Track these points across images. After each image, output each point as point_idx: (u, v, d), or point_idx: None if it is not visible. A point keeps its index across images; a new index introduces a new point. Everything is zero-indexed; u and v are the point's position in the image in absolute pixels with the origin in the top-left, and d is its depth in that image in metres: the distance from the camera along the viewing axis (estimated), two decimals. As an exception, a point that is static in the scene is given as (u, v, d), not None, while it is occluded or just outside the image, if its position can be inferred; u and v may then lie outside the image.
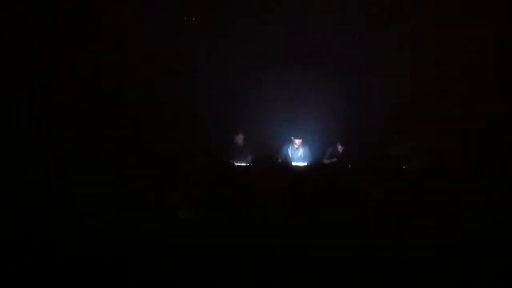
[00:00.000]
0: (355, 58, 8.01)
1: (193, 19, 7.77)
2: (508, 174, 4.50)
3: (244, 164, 7.07)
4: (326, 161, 7.43)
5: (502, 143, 5.84)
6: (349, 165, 6.53)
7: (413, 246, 3.25)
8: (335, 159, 7.43)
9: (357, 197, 3.82)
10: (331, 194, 3.75)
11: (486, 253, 3.22)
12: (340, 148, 7.51)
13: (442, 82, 7.26)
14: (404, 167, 6.36)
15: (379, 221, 3.49)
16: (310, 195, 3.70)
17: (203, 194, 3.82)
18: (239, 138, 7.85)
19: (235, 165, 7.03)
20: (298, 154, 7.71)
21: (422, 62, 7.51)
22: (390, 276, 3.04)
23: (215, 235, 3.32)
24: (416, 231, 3.40)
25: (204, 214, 3.68)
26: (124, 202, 3.63)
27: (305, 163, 7.27)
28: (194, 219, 3.64)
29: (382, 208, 3.66)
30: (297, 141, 7.69)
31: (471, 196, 3.89)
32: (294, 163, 7.29)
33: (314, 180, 4.10)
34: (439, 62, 7.30)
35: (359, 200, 3.78)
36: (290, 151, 7.75)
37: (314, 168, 6.75)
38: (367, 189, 3.94)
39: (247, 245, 3.21)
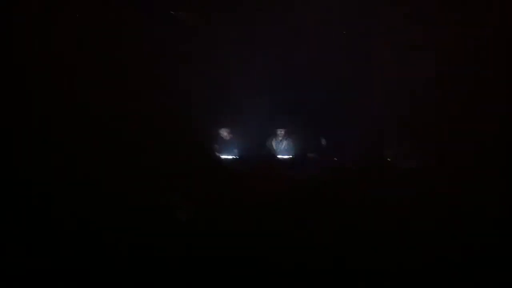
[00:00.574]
0: (346, 50, 7.91)
1: (180, 13, 7.74)
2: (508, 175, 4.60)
3: (229, 157, 7.14)
4: (309, 155, 7.54)
5: (502, 143, 5.92)
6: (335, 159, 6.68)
7: (413, 246, 3.36)
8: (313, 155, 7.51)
9: (355, 197, 3.93)
10: (327, 193, 3.86)
11: (486, 253, 3.33)
12: (323, 142, 7.62)
13: (442, 82, 7.25)
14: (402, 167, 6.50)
15: (378, 222, 3.59)
16: (305, 194, 3.81)
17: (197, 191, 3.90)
18: (224, 131, 7.90)
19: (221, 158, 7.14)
20: (282, 147, 7.78)
21: (420, 60, 7.54)
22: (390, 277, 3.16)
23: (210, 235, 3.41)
24: (416, 231, 3.51)
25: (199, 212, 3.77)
26: (121, 202, 3.69)
27: (289, 156, 7.38)
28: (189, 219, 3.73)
29: (381, 208, 3.76)
30: (280, 131, 7.76)
31: (472, 196, 3.99)
32: (278, 156, 7.39)
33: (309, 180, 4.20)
34: (437, 61, 7.28)
35: (357, 201, 3.88)
36: (274, 144, 7.81)
37: (298, 161, 6.93)
38: (365, 190, 4.04)
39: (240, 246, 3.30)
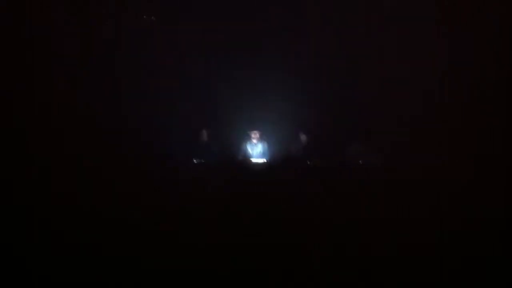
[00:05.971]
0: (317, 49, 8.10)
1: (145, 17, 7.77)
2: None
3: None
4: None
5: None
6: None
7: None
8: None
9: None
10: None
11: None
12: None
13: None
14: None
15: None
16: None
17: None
18: (203, 135, 7.98)
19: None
20: (257, 151, 7.93)
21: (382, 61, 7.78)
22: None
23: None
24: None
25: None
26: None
27: (264, 160, 7.56)
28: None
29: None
30: (254, 134, 7.96)
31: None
32: (253, 160, 7.57)
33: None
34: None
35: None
36: (249, 147, 7.93)
37: (273, 165, 7.11)
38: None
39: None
